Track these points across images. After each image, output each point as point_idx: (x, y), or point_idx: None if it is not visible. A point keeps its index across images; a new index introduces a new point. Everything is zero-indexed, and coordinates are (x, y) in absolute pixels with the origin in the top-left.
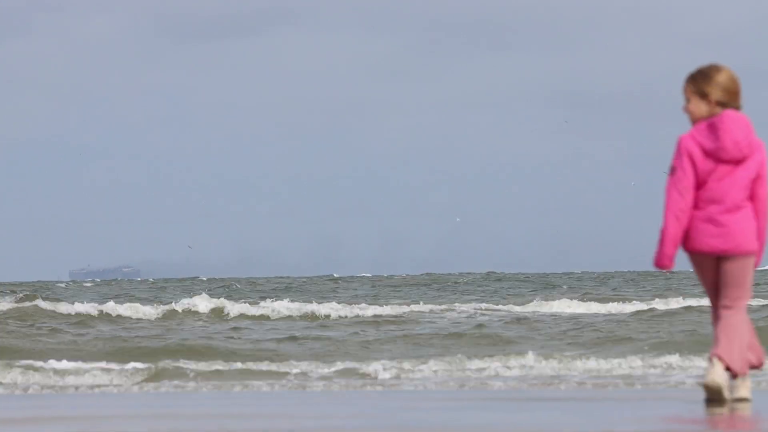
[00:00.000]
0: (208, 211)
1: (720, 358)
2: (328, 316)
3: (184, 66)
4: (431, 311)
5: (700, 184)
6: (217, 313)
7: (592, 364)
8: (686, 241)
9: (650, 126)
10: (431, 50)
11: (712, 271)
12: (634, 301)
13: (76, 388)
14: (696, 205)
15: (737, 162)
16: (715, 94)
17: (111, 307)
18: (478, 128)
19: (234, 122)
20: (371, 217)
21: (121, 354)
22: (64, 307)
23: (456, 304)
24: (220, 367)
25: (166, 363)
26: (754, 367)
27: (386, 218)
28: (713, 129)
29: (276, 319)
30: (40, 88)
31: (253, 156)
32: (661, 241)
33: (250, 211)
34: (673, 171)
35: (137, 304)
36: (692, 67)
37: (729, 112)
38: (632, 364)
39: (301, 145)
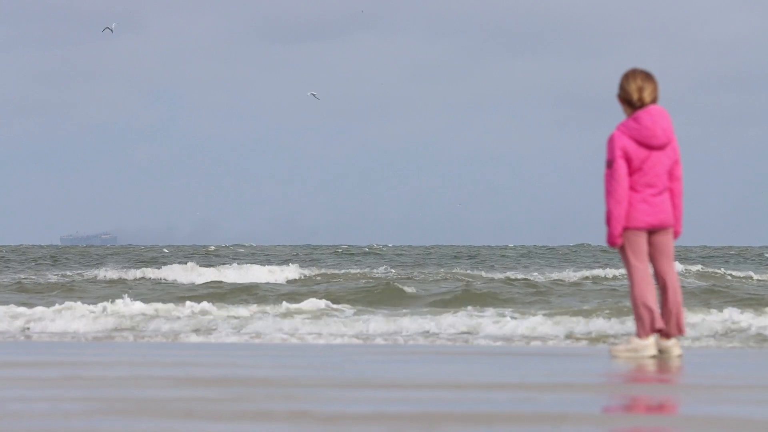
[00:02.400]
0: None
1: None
2: None
3: (265, 65)
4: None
5: (635, 171)
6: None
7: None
8: (626, 219)
9: None
10: (468, 54)
11: (646, 244)
12: None
13: None
14: (634, 189)
15: (663, 147)
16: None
17: None
18: (503, 128)
19: (281, 116)
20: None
21: None
22: None
23: None
24: None
25: None
26: (681, 333)
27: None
28: (641, 120)
29: None
30: (126, 79)
31: (287, 145)
32: (610, 224)
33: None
34: (609, 164)
35: None
36: (699, 71)
37: (653, 106)
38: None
39: (319, 141)
